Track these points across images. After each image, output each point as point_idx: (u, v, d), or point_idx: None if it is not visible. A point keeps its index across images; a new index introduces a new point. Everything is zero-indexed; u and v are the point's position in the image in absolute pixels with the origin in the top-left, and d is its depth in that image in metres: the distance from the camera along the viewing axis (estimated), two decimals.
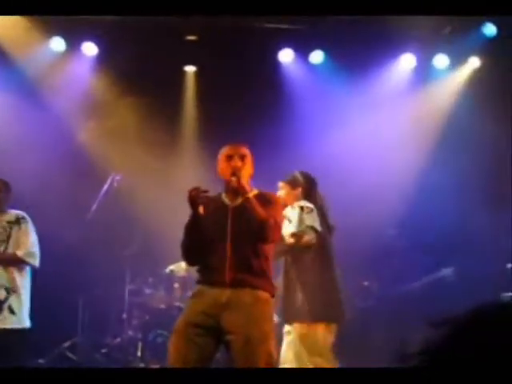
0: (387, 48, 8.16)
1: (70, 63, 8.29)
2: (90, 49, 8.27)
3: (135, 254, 7.66)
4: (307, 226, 5.23)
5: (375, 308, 7.55)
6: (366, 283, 7.92)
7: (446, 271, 7.68)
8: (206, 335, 3.99)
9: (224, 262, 4.05)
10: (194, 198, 4.04)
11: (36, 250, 5.65)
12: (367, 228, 7.54)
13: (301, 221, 5.23)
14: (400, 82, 8.45)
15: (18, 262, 5.56)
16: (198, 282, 4.20)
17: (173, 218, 7.48)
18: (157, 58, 8.09)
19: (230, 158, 4.22)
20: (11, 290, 5.48)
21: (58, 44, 8.16)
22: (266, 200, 4.19)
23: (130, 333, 7.55)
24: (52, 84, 8.09)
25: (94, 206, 7.41)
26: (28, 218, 5.68)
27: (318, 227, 5.26)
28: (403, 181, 7.93)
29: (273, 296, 4.18)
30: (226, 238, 4.08)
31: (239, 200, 4.18)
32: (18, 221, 5.61)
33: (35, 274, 5.77)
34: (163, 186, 8.11)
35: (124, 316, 7.56)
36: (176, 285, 7.64)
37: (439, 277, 7.66)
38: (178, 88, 8.72)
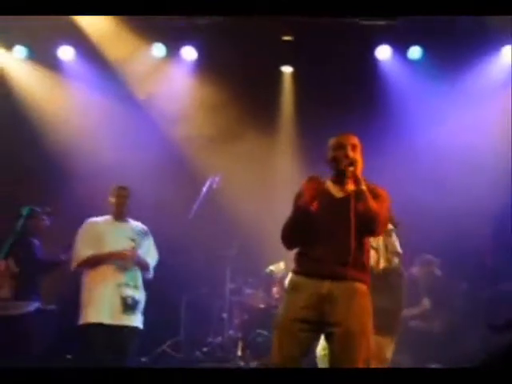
0: (487, 40, 7.92)
1: (171, 68, 8.51)
2: (189, 53, 8.47)
3: (235, 254, 7.76)
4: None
5: (466, 310, 7.36)
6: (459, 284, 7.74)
7: None
8: (309, 330, 3.95)
9: (330, 253, 3.98)
10: (314, 190, 4.02)
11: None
12: (461, 226, 7.41)
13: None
14: (502, 76, 8.17)
15: (146, 269, 5.91)
16: (296, 273, 4.13)
17: (272, 218, 7.56)
18: (254, 60, 8.18)
19: (342, 147, 4.10)
20: (143, 291, 5.86)
21: (158, 50, 8.39)
22: (375, 194, 4.08)
23: (231, 332, 7.66)
24: (152, 89, 8.32)
25: (195, 208, 7.55)
26: None
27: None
28: (500, 177, 7.70)
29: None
30: (335, 228, 4.00)
31: (348, 190, 4.10)
32: (146, 233, 5.99)
33: None
34: (262, 186, 8.18)
35: (225, 315, 7.67)
36: (275, 285, 7.69)
37: None
38: (276, 88, 8.76)
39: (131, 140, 8.16)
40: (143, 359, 7.25)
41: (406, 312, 7.09)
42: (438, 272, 7.56)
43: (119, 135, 8.19)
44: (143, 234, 5.93)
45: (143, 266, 5.86)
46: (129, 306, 5.66)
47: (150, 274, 5.94)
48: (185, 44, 8.41)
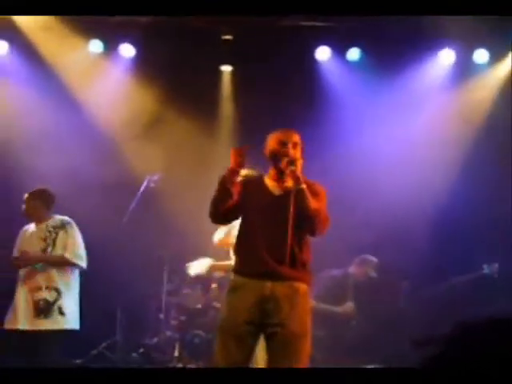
0: (426, 44, 8.05)
1: (108, 65, 8.35)
2: (127, 50, 8.33)
3: (173, 254, 7.66)
4: None
5: (408, 309, 7.46)
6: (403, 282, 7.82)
7: (489, 268, 7.45)
8: (255, 332, 3.94)
9: (269, 251, 3.96)
10: (240, 163, 4.08)
11: (82, 252, 5.80)
12: (404, 226, 7.48)
13: None
14: (439, 78, 8.29)
15: (66, 264, 5.68)
16: (237, 273, 4.09)
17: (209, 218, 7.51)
18: (193, 58, 8.10)
19: (283, 143, 4.09)
20: (62, 291, 5.58)
21: (96, 46, 8.23)
22: (314, 191, 4.08)
23: (168, 333, 7.55)
24: (90, 86, 8.15)
25: (132, 207, 7.45)
26: (73, 222, 5.83)
27: None
28: (440, 178, 7.82)
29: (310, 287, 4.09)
30: (274, 227, 3.97)
31: (286, 188, 4.06)
32: (63, 225, 5.74)
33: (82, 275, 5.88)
34: (201, 186, 8.09)
35: (161, 316, 7.57)
36: (213, 285, 7.62)
37: (480, 275, 7.43)
38: (215, 88, 8.69)
39: (68, 140, 7.96)
40: (78, 361, 7.11)
41: (329, 308, 7.14)
42: (372, 273, 7.58)
43: (57, 135, 7.97)
44: (57, 228, 5.70)
45: (58, 263, 5.65)
46: (41, 310, 5.49)
47: (80, 265, 5.71)
48: (123, 41, 8.26)
